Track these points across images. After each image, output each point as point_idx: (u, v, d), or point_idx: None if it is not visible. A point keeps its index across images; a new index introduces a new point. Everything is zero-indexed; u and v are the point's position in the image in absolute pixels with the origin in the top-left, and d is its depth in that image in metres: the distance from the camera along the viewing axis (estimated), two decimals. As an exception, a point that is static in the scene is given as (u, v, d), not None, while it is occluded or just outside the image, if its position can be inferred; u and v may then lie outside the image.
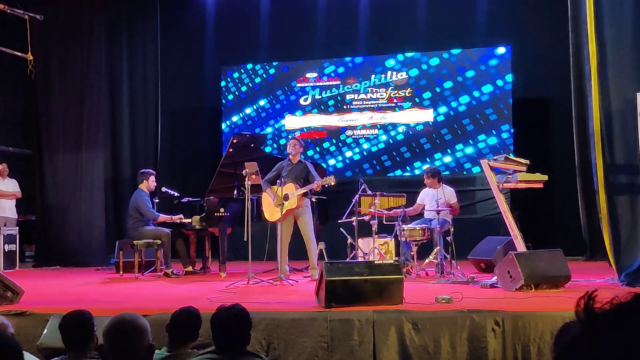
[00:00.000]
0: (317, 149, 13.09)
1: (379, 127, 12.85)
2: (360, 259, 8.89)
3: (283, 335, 5.67)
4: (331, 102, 13.08)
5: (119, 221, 12.47)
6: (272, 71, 13.44)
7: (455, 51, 12.59)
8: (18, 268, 11.42)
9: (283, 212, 8.64)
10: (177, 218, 9.94)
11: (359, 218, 9.18)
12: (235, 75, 13.57)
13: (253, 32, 13.48)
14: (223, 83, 13.54)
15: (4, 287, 6.64)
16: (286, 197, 8.71)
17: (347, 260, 8.97)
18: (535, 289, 6.94)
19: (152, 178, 10.09)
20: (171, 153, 13.38)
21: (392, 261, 6.93)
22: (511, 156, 8.53)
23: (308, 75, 13.21)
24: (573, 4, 8.56)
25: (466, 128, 12.44)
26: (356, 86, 12.97)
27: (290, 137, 11.51)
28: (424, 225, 9.11)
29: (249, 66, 13.53)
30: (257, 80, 13.48)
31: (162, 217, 9.86)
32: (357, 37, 13.12)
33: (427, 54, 12.71)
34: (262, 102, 13.41)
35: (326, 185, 8.72)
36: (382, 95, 12.84)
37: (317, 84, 13.16)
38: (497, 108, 12.26)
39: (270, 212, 8.89)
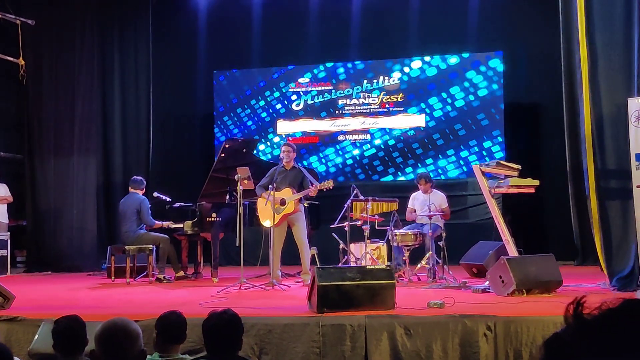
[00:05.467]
0: (309, 154, 13.09)
1: (371, 132, 12.87)
2: (352, 264, 8.89)
3: (275, 340, 5.67)
4: (323, 107, 13.09)
5: (111, 226, 12.45)
6: (264, 76, 13.44)
7: (447, 57, 12.61)
8: (9, 273, 11.37)
9: (279, 217, 8.66)
10: (167, 224, 9.96)
11: (351, 223, 9.18)
12: (227, 80, 13.57)
13: (245, 37, 13.49)
14: (215, 88, 13.54)
15: (-5, 293, 6.62)
16: (283, 202, 8.72)
17: (340, 265, 8.97)
18: (527, 293, 6.95)
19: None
20: (163, 158, 13.37)
21: (384, 266, 6.93)
22: (503, 161, 8.55)
23: (300, 80, 13.22)
24: (564, 10, 8.59)
25: (458, 133, 12.47)
26: (348, 91, 12.99)
27: (282, 142, 11.51)
28: (416, 230, 9.13)
29: (241, 71, 13.54)
30: (249, 85, 13.48)
31: (157, 224, 9.90)
32: (349, 43, 13.15)
33: (420, 59, 12.73)
34: (254, 107, 13.41)
35: (324, 189, 8.73)
36: (374, 100, 12.86)
37: (309, 89, 13.17)
38: (489, 113, 12.29)
39: (266, 217, 8.88)
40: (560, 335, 1.23)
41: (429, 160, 12.57)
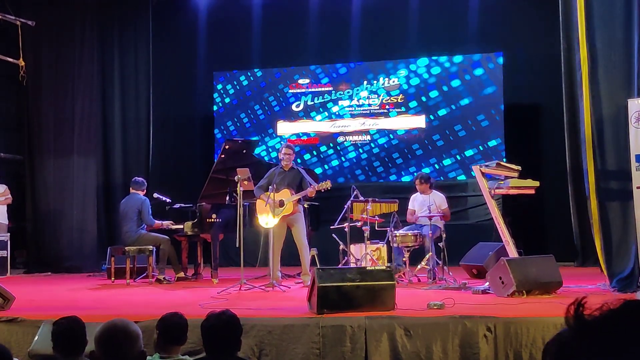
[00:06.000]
0: (309, 155, 13.09)
1: (371, 133, 12.86)
2: (352, 265, 8.89)
3: (275, 341, 5.66)
4: (323, 108, 13.09)
5: (111, 227, 12.45)
6: (264, 77, 13.44)
7: (447, 57, 12.61)
8: (9, 274, 11.37)
9: (278, 218, 8.65)
10: (167, 224, 9.97)
11: (351, 224, 9.18)
12: (227, 81, 13.57)
13: (245, 38, 13.49)
14: (215, 89, 13.54)
15: (-6, 294, 6.62)
16: (281, 203, 8.71)
17: (339, 266, 8.96)
18: (527, 294, 6.94)
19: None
20: (163, 159, 13.37)
21: (384, 267, 6.93)
22: (503, 162, 8.55)
23: (300, 81, 13.22)
24: (564, 10, 8.58)
25: (458, 134, 12.47)
26: (348, 92, 12.99)
27: (282, 143, 11.52)
28: (416, 231, 9.13)
29: (241, 72, 13.54)
30: (249, 86, 13.48)
31: (157, 223, 9.91)
32: (349, 43, 13.15)
33: (420, 60, 12.73)
34: (254, 108, 13.41)
35: (322, 190, 8.73)
36: (374, 101, 12.86)
37: (309, 90, 13.17)
38: (489, 114, 12.29)
39: (265, 218, 8.88)
40: (561, 336, 1.23)
41: (429, 161, 12.57)
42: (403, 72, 12.78)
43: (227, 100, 13.54)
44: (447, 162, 12.51)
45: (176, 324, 4.15)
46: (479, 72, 12.42)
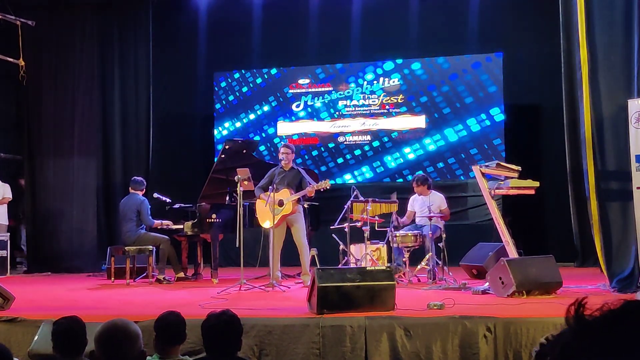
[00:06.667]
0: (310, 155, 13.09)
1: (370, 133, 12.86)
2: (352, 265, 8.89)
3: (275, 341, 5.67)
4: (323, 109, 13.09)
5: (111, 227, 12.44)
6: (264, 77, 13.44)
7: (447, 58, 12.61)
8: (9, 274, 11.37)
9: (278, 218, 8.65)
10: (166, 223, 9.97)
11: (351, 224, 9.18)
12: (228, 81, 13.56)
13: (245, 38, 13.48)
14: (215, 89, 13.53)
15: (-6, 294, 6.62)
16: (281, 203, 8.71)
17: (339, 266, 8.97)
18: (527, 295, 6.94)
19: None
20: (163, 159, 13.36)
21: (384, 267, 6.93)
22: (503, 162, 8.55)
23: (300, 81, 13.22)
24: (564, 11, 8.59)
25: (458, 134, 12.47)
26: (348, 92, 12.99)
27: (282, 143, 11.53)
28: (416, 231, 9.13)
29: (242, 72, 13.53)
30: (250, 86, 13.47)
31: (156, 223, 9.91)
32: (349, 43, 13.14)
33: (420, 61, 12.73)
34: (254, 108, 13.41)
35: (321, 190, 8.73)
36: (374, 101, 12.85)
37: (310, 90, 13.17)
38: (489, 114, 12.29)
39: (265, 218, 8.88)
40: (562, 337, 1.23)
41: (429, 161, 12.56)
42: (403, 73, 12.78)
43: (227, 100, 13.53)
44: (447, 162, 12.50)
45: (173, 322, 4.14)
46: (479, 72, 12.42)
